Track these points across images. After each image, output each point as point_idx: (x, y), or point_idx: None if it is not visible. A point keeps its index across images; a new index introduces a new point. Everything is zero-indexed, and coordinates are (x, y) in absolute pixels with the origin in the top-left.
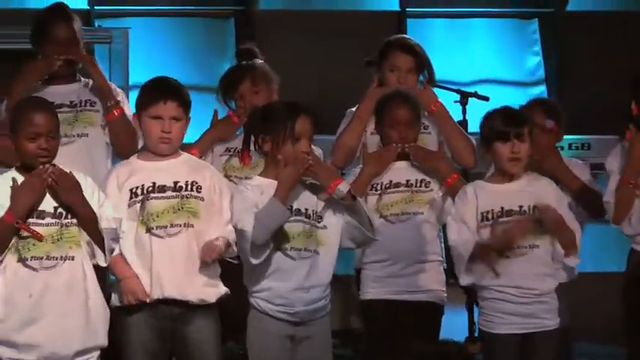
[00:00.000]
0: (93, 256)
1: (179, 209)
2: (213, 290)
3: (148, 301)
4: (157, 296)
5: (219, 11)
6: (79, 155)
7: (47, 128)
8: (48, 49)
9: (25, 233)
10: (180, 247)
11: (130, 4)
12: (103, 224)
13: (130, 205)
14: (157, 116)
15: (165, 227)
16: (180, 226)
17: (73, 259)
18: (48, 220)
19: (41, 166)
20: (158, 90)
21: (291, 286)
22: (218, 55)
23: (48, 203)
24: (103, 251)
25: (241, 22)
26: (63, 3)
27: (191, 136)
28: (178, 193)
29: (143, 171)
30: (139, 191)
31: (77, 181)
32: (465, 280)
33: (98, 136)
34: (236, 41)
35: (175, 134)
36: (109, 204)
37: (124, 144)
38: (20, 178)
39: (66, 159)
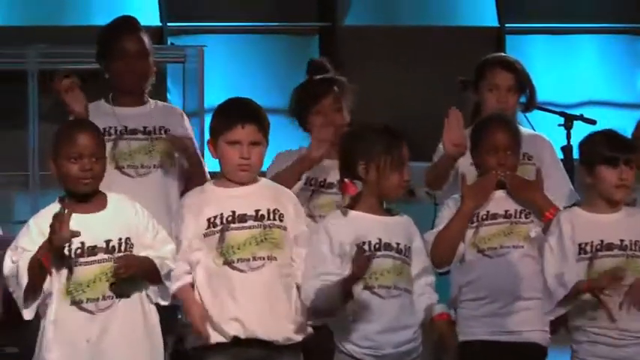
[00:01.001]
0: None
1: (262, 240)
2: (299, 328)
3: (212, 341)
4: (239, 335)
5: (302, 28)
6: (156, 187)
7: (90, 149)
8: (116, 64)
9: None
10: (264, 281)
11: (205, 20)
12: (164, 269)
13: (206, 235)
14: (235, 141)
15: (248, 260)
16: (264, 258)
17: (128, 297)
18: (100, 255)
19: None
20: (235, 113)
21: (378, 327)
22: (301, 76)
23: (99, 238)
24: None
25: (326, 40)
26: (130, 15)
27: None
28: (260, 223)
29: (221, 199)
30: (217, 221)
31: (135, 263)
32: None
33: (167, 172)
34: None
35: (255, 160)
36: (164, 235)
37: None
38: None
39: (142, 191)
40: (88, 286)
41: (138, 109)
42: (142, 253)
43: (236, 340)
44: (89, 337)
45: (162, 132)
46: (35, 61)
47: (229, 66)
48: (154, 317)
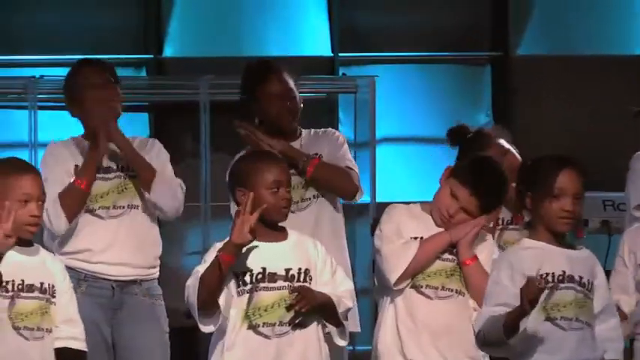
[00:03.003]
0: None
1: (452, 274)
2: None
3: None
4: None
5: (474, 57)
6: (310, 221)
7: (287, 179)
8: (266, 108)
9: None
10: (446, 312)
11: (376, 50)
12: (342, 307)
13: None
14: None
15: (436, 289)
16: (452, 290)
17: (305, 327)
18: (280, 283)
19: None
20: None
21: (558, 359)
22: (472, 106)
23: (279, 266)
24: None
25: (498, 69)
26: (267, 59)
27: None
28: (454, 257)
29: (421, 220)
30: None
31: (314, 298)
32: None
33: (325, 201)
34: (492, 90)
35: None
36: (341, 273)
37: None
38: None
39: (299, 224)
40: (265, 310)
41: (294, 144)
42: (319, 290)
43: None
44: None
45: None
46: (207, 92)
47: (400, 96)
48: (327, 350)
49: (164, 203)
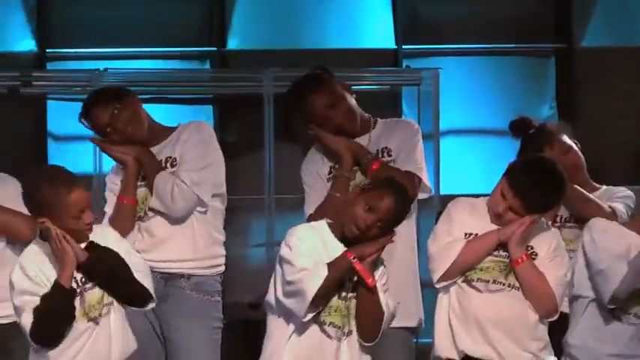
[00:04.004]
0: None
1: (504, 269)
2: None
3: None
4: (470, 353)
5: (538, 49)
6: None
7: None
8: (321, 125)
9: None
10: (499, 304)
11: (440, 42)
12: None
13: None
14: None
15: (487, 282)
16: (503, 284)
17: (351, 334)
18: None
19: None
20: None
21: (611, 350)
22: (536, 98)
23: None
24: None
25: (562, 61)
26: (316, 72)
27: None
28: (506, 254)
29: (481, 215)
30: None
31: None
32: None
33: None
34: (557, 82)
35: None
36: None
37: None
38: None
39: None
40: (335, 311)
41: (364, 138)
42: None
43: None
44: (324, 357)
45: (385, 154)
46: (270, 84)
47: (464, 88)
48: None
49: (164, 207)
